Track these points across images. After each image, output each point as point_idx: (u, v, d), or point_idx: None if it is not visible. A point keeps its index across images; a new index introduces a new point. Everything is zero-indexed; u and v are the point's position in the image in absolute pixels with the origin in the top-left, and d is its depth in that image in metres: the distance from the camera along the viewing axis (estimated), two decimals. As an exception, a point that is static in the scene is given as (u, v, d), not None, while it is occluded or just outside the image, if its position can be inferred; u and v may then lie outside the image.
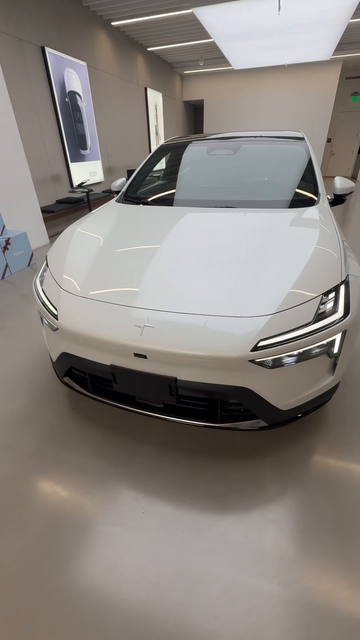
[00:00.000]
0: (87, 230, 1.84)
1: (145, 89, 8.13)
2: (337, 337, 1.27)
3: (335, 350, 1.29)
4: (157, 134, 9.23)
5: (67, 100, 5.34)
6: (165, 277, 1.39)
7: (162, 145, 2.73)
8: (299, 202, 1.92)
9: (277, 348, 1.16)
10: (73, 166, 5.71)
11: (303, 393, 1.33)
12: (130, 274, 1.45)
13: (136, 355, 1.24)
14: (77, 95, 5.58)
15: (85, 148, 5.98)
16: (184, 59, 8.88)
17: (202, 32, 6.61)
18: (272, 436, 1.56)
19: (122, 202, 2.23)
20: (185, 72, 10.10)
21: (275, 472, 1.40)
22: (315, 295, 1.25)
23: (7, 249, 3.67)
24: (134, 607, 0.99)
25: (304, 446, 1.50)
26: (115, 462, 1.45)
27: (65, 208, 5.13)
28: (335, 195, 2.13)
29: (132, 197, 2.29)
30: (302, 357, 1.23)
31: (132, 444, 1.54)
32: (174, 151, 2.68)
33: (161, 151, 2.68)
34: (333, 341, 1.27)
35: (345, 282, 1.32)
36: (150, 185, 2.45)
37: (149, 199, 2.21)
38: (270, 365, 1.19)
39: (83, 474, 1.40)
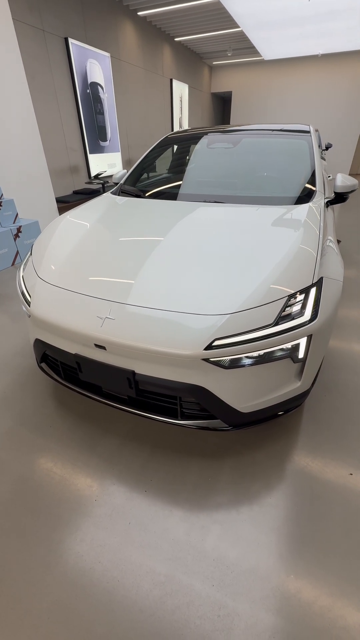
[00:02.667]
0: (75, 219, 1.87)
1: (171, 80, 8.05)
2: (302, 342, 1.22)
3: (301, 355, 1.24)
4: (180, 126, 9.15)
5: (88, 91, 5.40)
6: (135, 271, 1.39)
7: (166, 137, 2.70)
8: (291, 199, 1.84)
9: (234, 348, 1.13)
10: (92, 157, 5.80)
11: (265, 396, 1.29)
12: (103, 265, 1.46)
13: (97, 346, 1.25)
14: (98, 87, 5.63)
15: (105, 140, 6.05)
16: (212, 50, 8.70)
17: (230, 21, 6.43)
18: (238, 438, 1.53)
19: (117, 194, 2.25)
20: (214, 62, 9.89)
21: (232, 475, 1.37)
22: (281, 297, 1.20)
23: (19, 237, 3.80)
24: (65, 589, 1.02)
25: (268, 451, 1.46)
26: (78, 449, 1.49)
27: (81, 198, 5.23)
28: (335, 193, 2.02)
29: (128, 189, 2.29)
30: (262, 360, 1.19)
31: (98, 432, 1.57)
32: (177, 143, 2.65)
33: (164, 144, 2.66)
34: (297, 345, 1.22)
35: (318, 285, 1.26)
36: (148, 178, 2.44)
37: (143, 192, 2.21)
38: (227, 365, 1.16)
39: (44, 457, 1.45)
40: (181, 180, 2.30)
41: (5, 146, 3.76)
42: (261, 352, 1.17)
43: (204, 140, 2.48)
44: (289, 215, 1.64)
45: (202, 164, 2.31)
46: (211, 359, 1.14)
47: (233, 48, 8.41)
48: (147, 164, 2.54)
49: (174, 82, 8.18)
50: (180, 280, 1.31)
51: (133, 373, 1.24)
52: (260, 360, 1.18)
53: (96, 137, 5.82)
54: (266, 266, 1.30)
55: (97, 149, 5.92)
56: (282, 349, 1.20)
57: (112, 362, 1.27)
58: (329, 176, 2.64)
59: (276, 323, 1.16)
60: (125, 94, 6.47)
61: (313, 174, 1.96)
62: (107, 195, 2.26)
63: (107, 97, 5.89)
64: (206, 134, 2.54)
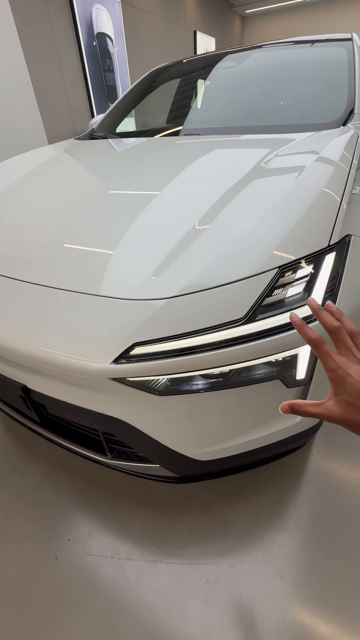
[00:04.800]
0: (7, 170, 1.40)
1: (195, 32, 7.12)
2: (303, 352, 0.68)
3: (300, 374, 0.70)
4: (206, 88, 8.22)
5: (94, 43, 4.79)
6: (52, 230, 0.91)
7: (156, 68, 2.10)
8: (315, 125, 1.22)
9: (168, 362, 0.62)
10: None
11: (237, 439, 0.77)
12: (9, 225, 0.99)
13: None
14: (107, 38, 4.99)
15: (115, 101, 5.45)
16: (245, -7, 7.55)
17: None
18: (212, 486, 1.04)
19: (87, 139, 1.73)
20: (247, 11, 8.67)
21: (190, 539, 0.90)
22: (267, 269, 0.66)
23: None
24: None
25: (249, 507, 0.96)
26: (-14, 479, 1.09)
27: (86, 168, 4.76)
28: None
29: (99, 135, 1.77)
30: (226, 383, 0.67)
31: (20, 456, 1.16)
32: (170, 74, 2.05)
33: (154, 76, 2.07)
34: (293, 358, 0.68)
35: (339, 249, 0.70)
36: (130, 118, 1.89)
37: (116, 133, 1.68)
38: (160, 390, 0.66)
39: None
40: (174, 114, 1.77)
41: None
42: (223, 370, 0.65)
43: (211, 63, 1.83)
44: (305, 143, 1.05)
45: (207, 92, 1.73)
46: (128, 379, 0.64)
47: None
48: (130, 103, 1.98)
49: (199, 34, 7.22)
50: (116, 242, 0.81)
51: (26, 389, 0.79)
52: (221, 383, 0.67)
53: (105, 99, 5.23)
54: (251, 218, 0.75)
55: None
56: (265, 364, 0.67)
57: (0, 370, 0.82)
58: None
59: (250, 317, 0.63)
60: (139, 48, 5.74)
61: (352, 91, 1.30)
62: (69, 141, 1.75)
63: (118, 51, 5.22)
64: (216, 55, 1.89)
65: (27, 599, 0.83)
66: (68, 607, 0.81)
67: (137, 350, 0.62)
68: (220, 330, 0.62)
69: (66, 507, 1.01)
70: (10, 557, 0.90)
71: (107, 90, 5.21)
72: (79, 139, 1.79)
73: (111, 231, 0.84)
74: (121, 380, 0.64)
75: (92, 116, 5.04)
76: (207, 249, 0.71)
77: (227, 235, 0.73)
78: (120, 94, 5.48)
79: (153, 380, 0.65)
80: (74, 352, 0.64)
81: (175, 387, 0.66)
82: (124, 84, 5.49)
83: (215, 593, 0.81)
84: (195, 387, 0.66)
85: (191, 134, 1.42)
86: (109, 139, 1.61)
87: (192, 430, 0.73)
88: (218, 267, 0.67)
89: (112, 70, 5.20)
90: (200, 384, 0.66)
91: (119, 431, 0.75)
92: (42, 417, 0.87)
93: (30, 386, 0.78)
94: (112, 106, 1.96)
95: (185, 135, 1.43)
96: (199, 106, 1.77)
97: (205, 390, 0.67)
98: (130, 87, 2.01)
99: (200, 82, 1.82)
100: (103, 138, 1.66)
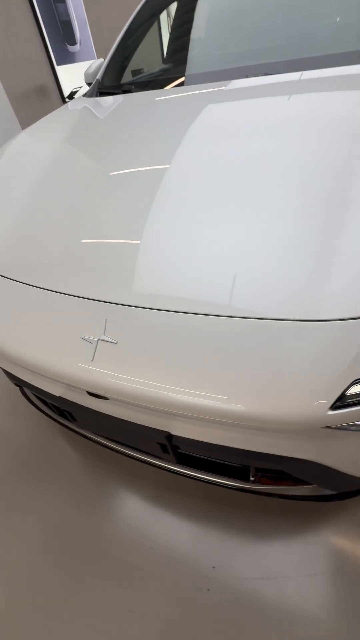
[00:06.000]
0: (28, 146, 1.12)
1: None
2: None
3: None
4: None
5: (37, -36, 3.89)
6: (155, 237, 0.71)
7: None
8: None
9: None
10: (61, 71, 4.48)
11: None
12: (85, 228, 0.78)
13: (91, 394, 0.65)
14: None
15: (73, 42, 4.60)
16: None
17: None
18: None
19: (96, 96, 1.40)
20: None
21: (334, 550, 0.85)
22: None
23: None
24: None
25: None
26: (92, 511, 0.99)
27: (57, 131, 4.14)
28: None
29: (111, 85, 1.43)
30: None
31: (126, 482, 1.06)
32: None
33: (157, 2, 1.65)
34: None
35: None
36: (141, 60, 1.54)
37: (136, 83, 1.36)
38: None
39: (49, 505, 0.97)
40: (201, 49, 1.40)
41: None
42: None
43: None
44: None
45: (234, 18, 1.36)
46: (340, 425, 0.51)
47: None
48: (135, 41, 1.60)
49: None
50: (249, 250, 0.62)
51: (168, 436, 0.65)
52: None
53: (61, 39, 4.41)
54: None
55: (66, 58, 4.55)
56: None
57: (128, 417, 0.67)
58: None
59: None
60: (89, -33, 4.74)
61: None
62: (80, 100, 1.42)
63: (66, -28, 4.30)
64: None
65: (194, 636, 0.78)
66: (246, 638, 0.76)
67: (353, 390, 0.49)
68: None
69: (194, 534, 0.94)
70: (158, 594, 0.84)
71: (61, 27, 4.37)
72: (87, 95, 1.44)
73: (243, 226, 0.65)
74: (332, 427, 0.51)
75: (52, 65, 4.28)
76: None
77: None
78: (78, 33, 4.62)
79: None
80: (267, 400, 0.50)
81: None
82: (80, 19, 4.61)
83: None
84: None
85: (256, 74, 1.11)
86: (145, 91, 1.27)
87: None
88: None
89: (63, 1, 4.31)
90: None
91: (300, 470, 0.64)
92: (181, 459, 0.75)
93: (175, 432, 0.65)
94: (115, 45, 1.56)
95: (247, 76, 1.11)
96: (224, 36, 1.42)
97: None
98: (133, 15, 1.59)
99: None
100: (124, 91, 1.33)
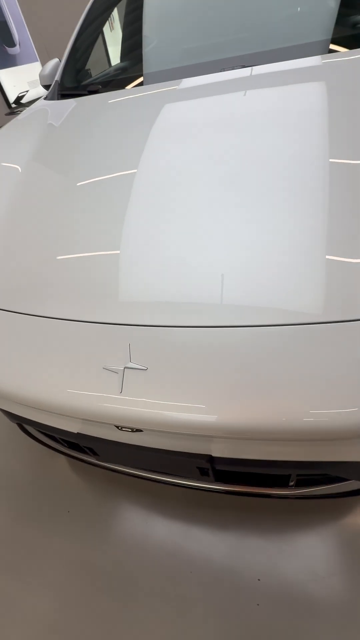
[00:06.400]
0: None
1: None
2: None
3: None
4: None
5: None
6: (160, 246, 0.65)
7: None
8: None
9: None
10: (3, 75, 4.22)
11: None
12: (83, 243, 0.70)
13: (120, 428, 0.58)
14: None
15: (12, 44, 4.34)
16: None
17: None
18: None
19: (57, 99, 1.30)
20: None
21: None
22: None
23: None
24: None
25: None
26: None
27: (7, 139, 3.89)
28: None
29: (72, 87, 1.34)
30: None
31: (147, 506, 0.99)
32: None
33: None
34: None
35: None
36: (99, 58, 1.46)
37: (97, 83, 1.28)
38: None
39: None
40: (164, 44, 1.34)
41: None
42: None
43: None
44: None
45: (195, 8, 1.32)
46: None
47: None
48: (91, 38, 1.51)
49: None
50: (260, 249, 0.59)
51: (210, 458, 0.60)
52: None
53: (-1, 42, 4.15)
54: None
55: (7, 61, 4.29)
56: None
57: (159, 445, 0.62)
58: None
59: None
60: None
61: None
62: (42, 104, 1.31)
63: (-5, -31, 4.03)
64: None
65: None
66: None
67: None
68: None
69: (232, 546, 0.90)
70: (209, 620, 0.79)
71: (-2, 28, 4.11)
72: (47, 99, 1.34)
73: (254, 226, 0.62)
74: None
75: (-8, 68, 4.01)
76: None
77: None
78: (16, 34, 4.36)
79: None
80: (328, 412, 0.46)
81: None
82: (16, 19, 4.35)
83: None
84: None
85: (230, 67, 1.07)
86: (113, 91, 1.20)
87: None
88: None
89: (-5, -1, 4.05)
90: None
91: (342, 470, 0.62)
92: (219, 477, 0.70)
93: (216, 454, 0.60)
94: (70, 44, 1.45)
95: (221, 70, 1.07)
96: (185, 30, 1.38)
97: None
98: (86, 11, 1.49)
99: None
100: (90, 92, 1.24)
